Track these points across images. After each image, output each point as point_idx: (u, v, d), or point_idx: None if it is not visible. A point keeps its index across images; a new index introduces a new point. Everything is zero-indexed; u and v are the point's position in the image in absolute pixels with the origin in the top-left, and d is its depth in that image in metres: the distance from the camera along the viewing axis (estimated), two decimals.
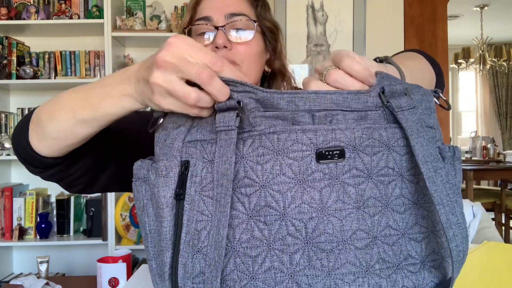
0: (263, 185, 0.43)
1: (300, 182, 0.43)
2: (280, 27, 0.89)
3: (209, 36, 0.79)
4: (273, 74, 0.90)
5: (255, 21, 0.81)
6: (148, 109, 0.65)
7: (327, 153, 0.43)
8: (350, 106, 0.45)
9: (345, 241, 0.44)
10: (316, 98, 0.45)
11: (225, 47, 0.77)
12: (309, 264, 0.43)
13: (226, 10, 0.78)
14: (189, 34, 0.82)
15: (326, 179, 0.44)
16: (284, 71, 0.90)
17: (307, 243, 0.43)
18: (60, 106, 0.58)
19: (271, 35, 0.86)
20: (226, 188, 0.41)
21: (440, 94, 0.51)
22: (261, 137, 0.43)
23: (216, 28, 0.77)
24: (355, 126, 0.45)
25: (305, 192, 0.43)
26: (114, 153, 0.73)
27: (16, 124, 0.70)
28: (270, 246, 0.43)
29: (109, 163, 0.73)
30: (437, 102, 0.51)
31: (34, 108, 0.64)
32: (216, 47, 0.77)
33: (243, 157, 0.43)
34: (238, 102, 0.43)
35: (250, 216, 0.43)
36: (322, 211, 0.43)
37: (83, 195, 2.59)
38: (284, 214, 0.43)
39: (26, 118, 0.64)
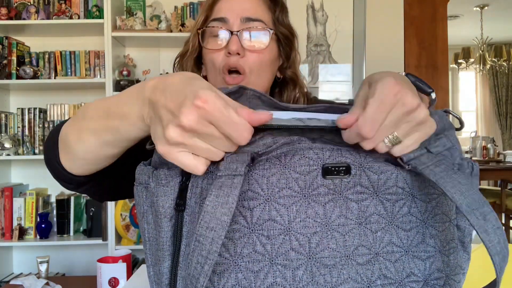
0: (268, 199, 0.42)
1: (305, 196, 0.42)
2: (296, 33, 0.87)
3: (223, 40, 0.78)
4: (285, 81, 0.88)
5: (271, 29, 0.79)
6: None
7: (333, 168, 0.42)
8: (353, 153, 0.44)
9: (347, 256, 0.43)
10: (320, 132, 0.44)
11: (238, 53, 0.76)
12: (312, 280, 0.42)
13: (243, 14, 0.77)
14: (203, 34, 0.81)
15: (330, 194, 0.43)
16: (296, 80, 0.87)
17: (310, 258, 0.42)
18: (84, 127, 0.57)
19: (286, 41, 0.84)
20: (217, 234, 0.37)
21: (451, 112, 0.49)
22: (268, 156, 0.42)
23: (231, 33, 0.77)
24: (360, 152, 0.44)
25: (309, 206, 0.42)
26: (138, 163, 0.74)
27: (43, 150, 0.70)
28: (272, 261, 0.42)
29: (132, 174, 0.73)
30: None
31: (60, 124, 0.64)
32: (229, 53, 0.76)
33: (248, 170, 0.41)
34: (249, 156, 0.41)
35: (252, 230, 0.42)
36: (326, 226, 0.43)
37: (83, 194, 2.59)
38: (289, 229, 0.42)
39: (53, 137, 0.64)
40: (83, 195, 2.60)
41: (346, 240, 0.43)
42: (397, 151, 0.43)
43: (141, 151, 0.70)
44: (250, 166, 0.41)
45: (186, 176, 0.42)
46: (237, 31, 0.77)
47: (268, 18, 0.81)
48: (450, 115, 0.50)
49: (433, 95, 0.49)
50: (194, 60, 0.84)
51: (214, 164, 0.41)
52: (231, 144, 0.40)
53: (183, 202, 0.42)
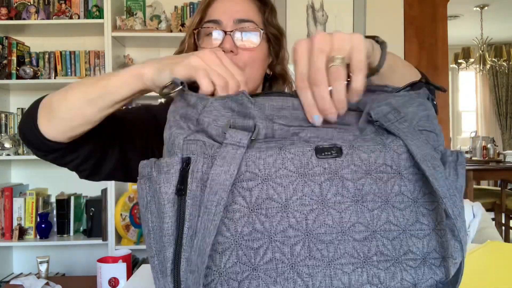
0: (265, 179, 0.44)
1: (301, 175, 0.45)
2: (285, 32, 0.92)
3: (217, 39, 0.82)
4: (274, 77, 0.94)
5: (261, 29, 0.85)
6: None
7: (325, 148, 0.46)
8: (344, 139, 0.49)
9: (344, 232, 0.45)
10: (315, 130, 0.49)
11: (231, 51, 0.80)
12: (309, 255, 0.44)
13: (236, 16, 0.82)
14: (198, 34, 0.86)
15: (326, 174, 0.45)
16: (285, 76, 0.94)
17: (307, 234, 0.44)
18: (72, 89, 0.64)
19: (275, 41, 0.90)
20: (220, 197, 0.42)
21: (432, 83, 0.54)
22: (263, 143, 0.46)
23: (225, 32, 0.81)
24: (349, 136, 0.48)
25: (306, 185, 0.45)
26: (118, 143, 0.78)
27: (21, 117, 0.78)
28: (271, 238, 0.44)
29: (112, 152, 0.78)
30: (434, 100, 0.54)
31: (43, 96, 0.69)
32: (223, 51, 0.79)
33: (245, 152, 0.44)
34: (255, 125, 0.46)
35: (251, 210, 0.44)
36: (322, 203, 0.45)
37: (83, 194, 2.60)
38: (286, 206, 0.44)
39: (35, 103, 0.69)
40: (83, 195, 2.60)
41: (342, 217, 0.45)
42: (356, 68, 0.48)
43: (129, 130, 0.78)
44: (254, 139, 0.46)
45: (186, 162, 0.45)
46: (230, 31, 0.81)
47: (258, 19, 0.86)
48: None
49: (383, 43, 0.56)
50: None
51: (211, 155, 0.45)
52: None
53: (184, 187, 0.44)
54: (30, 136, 0.67)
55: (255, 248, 0.44)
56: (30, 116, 0.67)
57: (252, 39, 0.83)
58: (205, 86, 0.51)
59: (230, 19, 0.82)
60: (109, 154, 0.77)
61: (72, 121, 0.64)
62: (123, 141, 0.78)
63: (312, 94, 0.48)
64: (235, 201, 0.44)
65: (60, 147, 0.68)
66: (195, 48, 0.87)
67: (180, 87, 0.50)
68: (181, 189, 0.44)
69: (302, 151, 0.45)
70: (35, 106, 0.68)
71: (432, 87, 0.55)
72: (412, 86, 0.55)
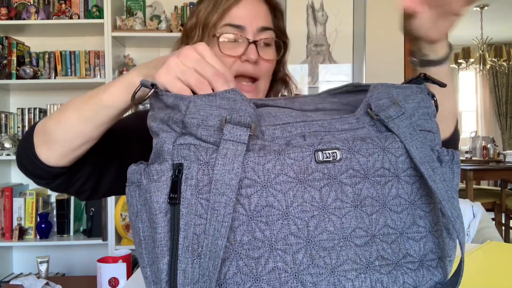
0: (265, 185, 0.43)
1: (301, 181, 0.44)
2: (289, 38, 0.90)
3: (240, 47, 0.78)
4: (275, 81, 0.91)
5: (278, 40, 0.83)
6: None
7: (325, 153, 0.45)
8: (336, 128, 0.48)
9: (345, 238, 0.45)
10: (305, 124, 0.48)
11: (255, 62, 0.78)
12: (312, 263, 0.43)
13: (259, 23, 0.79)
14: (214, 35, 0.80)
15: (325, 179, 0.45)
16: (287, 80, 0.91)
17: (309, 242, 0.43)
18: (66, 110, 0.62)
19: (284, 47, 0.88)
20: (228, 198, 0.41)
21: (430, 77, 0.54)
22: (261, 146, 0.45)
23: (249, 41, 0.77)
24: (347, 137, 0.47)
25: (306, 191, 0.44)
26: (115, 158, 0.75)
27: (16, 150, 0.74)
28: (272, 246, 0.43)
29: (110, 168, 0.75)
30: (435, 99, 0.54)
31: (35, 124, 0.67)
32: (246, 60, 0.77)
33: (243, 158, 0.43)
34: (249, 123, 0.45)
35: (251, 217, 0.43)
36: (323, 209, 0.44)
37: None
38: (287, 213, 0.43)
39: (28, 134, 0.67)
40: None
41: (343, 222, 0.45)
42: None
43: (123, 145, 0.75)
44: (252, 134, 0.45)
45: (178, 169, 0.43)
46: (255, 41, 0.78)
47: (273, 26, 0.84)
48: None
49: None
50: None
51: (207, 154, 0.43)
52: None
53: (177, 195, 0.42)
54: (30, 166, 0.65)
55: (256, 258, 0.42)
56: (26, 146, 0.65)
57: (272, 50, 0.81)
58: (177, 91, 0.48)
59: (251, 25, 0.78)
60: (107, 170, 0.74)
61: (72, 142, 0.62)
62: (118, 154, 0.75)
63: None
64: (234, 209, 0.42)
65: (63, 172, 0.67)
66: None
67: (152, 89, 0.46)
68: (174, 198, 0.42)
69: (302, 156, 0.44)
70: (28, 136, 0.66)
71: (431, 82, 0.54)
72: (411, 81, 0.54)
